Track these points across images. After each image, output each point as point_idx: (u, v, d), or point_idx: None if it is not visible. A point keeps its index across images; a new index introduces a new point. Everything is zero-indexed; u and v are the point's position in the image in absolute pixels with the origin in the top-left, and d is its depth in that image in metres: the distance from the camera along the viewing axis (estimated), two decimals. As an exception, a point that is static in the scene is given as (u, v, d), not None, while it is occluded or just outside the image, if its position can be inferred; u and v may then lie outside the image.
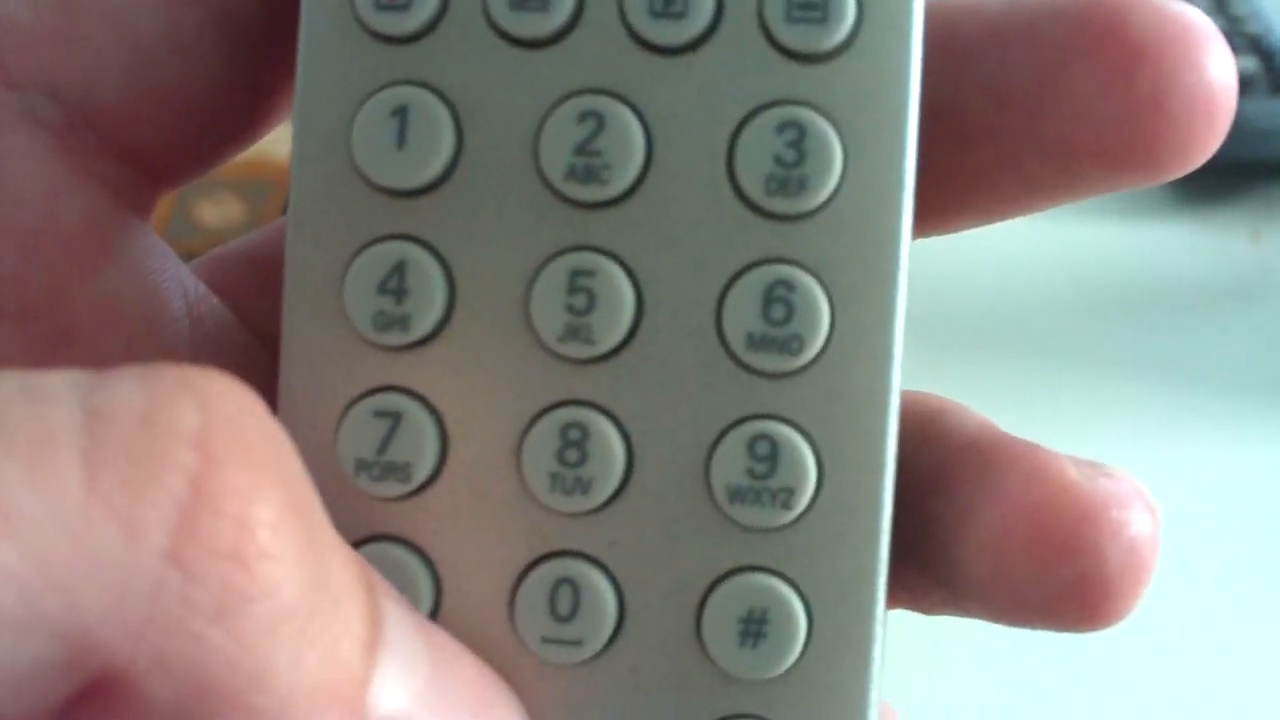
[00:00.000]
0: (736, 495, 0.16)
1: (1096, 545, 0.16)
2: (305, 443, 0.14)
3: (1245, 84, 0.49)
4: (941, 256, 0.48)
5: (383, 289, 0.16)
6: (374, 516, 0.16)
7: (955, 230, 0.19)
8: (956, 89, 0.17)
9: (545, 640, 0.16)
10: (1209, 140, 0.16)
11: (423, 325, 0.16)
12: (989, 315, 0.45)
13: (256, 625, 0.12)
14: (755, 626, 0.16)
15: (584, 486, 0.16)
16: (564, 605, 0.16)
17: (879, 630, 0.16)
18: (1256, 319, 0.47)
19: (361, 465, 0.16)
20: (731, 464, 0.16)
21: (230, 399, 0.13)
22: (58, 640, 0.11)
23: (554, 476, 0.16)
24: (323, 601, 0.13)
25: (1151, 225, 0.49)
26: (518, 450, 0.16)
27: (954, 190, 0.18)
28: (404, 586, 0.16)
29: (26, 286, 0.17)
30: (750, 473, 0.16)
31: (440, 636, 0.16)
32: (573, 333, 0.16)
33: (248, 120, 0.19)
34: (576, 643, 0.16)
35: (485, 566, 0.16)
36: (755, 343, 0.16)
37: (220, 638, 0.12)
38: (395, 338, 0.16)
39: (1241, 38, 0.51)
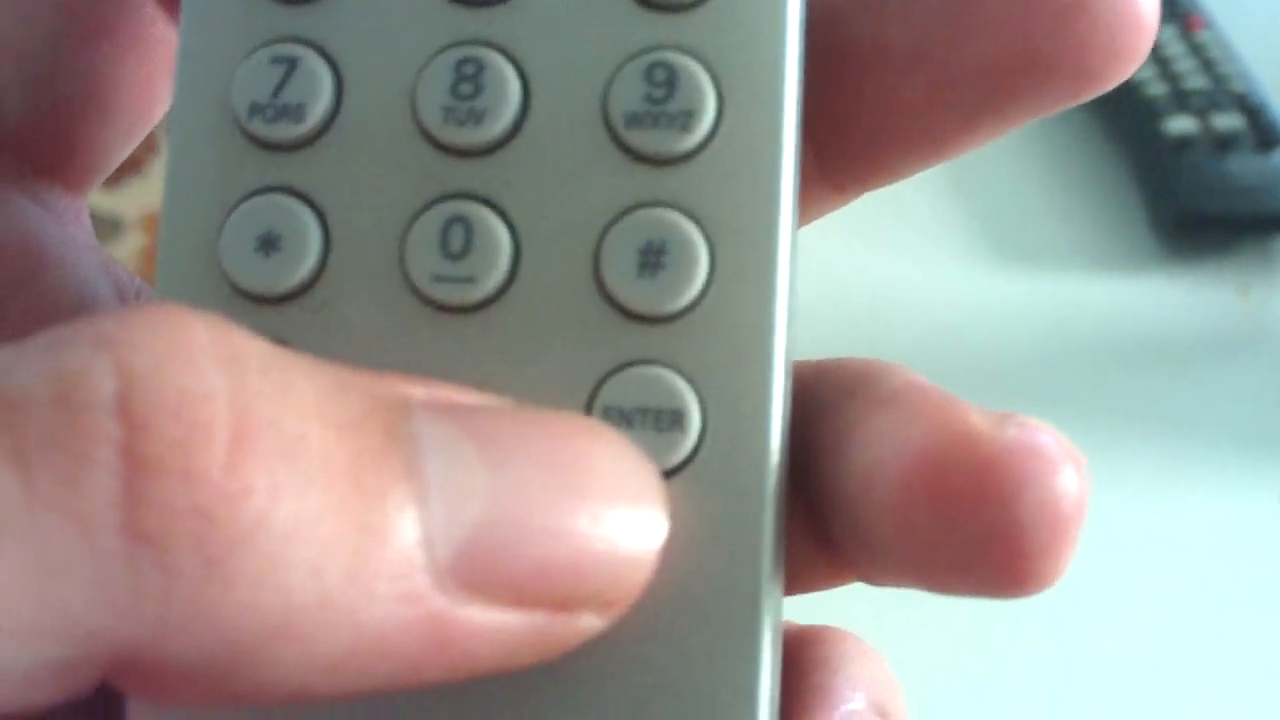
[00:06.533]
0: (634, 121, 0.16)
1: (1002, 497, 0.14)
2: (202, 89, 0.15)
3: (1232, 141, 0.50)
4: (930, 310, 0.49)
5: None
6: (265, 168, 0.16)
7: (900, 176, 0.18)
8: (876, 25, 0.17)
9: (436, 279, 0.16)
10: (1139, 42, 0.16)
11: None
12: (977, 369, 0.45)
13: (253, 561, 0.11)
14: (654, 257, 0.15)
15: (477, 118, 0.16)
16: (456, 243, 0.16)
17: (783, 270, 0.16)
18: (1246, 372, 0.47)
19: (255, 109, 0.16)
20: (629, 92, 0.16)
21: (146, 349, 0.12)
22: (57, 640, 0.11)
23: (447, 110, 0.16)
24: (320, 498, 0.12)
25: (1142, 280, 0.49)
26: (412, 87, 0.16)
27: (889, 130, 0.17)
28: (294, 238, 0.16)
29: None
30: (648, 98, 0.16)
31: (491, 419, 0.14)
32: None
33: (140, 111, 0.19)
34: (469, 280, 0.16)
35: (375, 215, 0.16)
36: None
37: (219, 588, 0.11)
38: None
39: (1227, 95, 0.52)
